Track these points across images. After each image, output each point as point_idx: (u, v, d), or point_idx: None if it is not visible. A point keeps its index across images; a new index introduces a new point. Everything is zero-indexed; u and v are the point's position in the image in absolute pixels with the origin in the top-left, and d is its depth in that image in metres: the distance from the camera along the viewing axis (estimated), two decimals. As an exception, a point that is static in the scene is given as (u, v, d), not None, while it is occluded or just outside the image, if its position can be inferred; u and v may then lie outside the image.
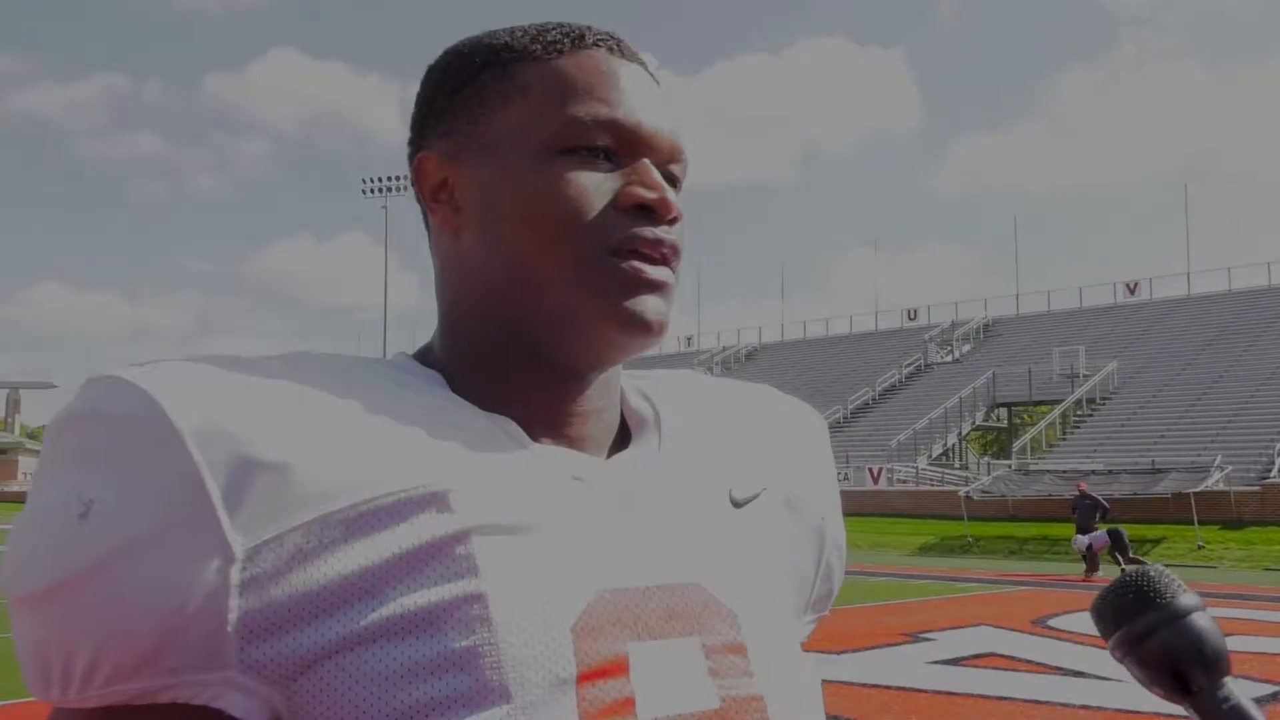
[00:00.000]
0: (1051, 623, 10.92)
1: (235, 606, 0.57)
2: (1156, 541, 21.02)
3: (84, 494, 0.58)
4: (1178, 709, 0.72)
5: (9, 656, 0.64)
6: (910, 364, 42.91)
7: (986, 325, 45.83)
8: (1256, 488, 22.83)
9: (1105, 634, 0.75)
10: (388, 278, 54.22)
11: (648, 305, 0.69)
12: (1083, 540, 17.14)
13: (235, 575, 0.57)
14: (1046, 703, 7.05)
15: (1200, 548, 20.14)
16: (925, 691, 7.46)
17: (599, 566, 0.65)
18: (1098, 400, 33.41)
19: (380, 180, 51.54)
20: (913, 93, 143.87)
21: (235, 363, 0.64)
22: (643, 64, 0.74)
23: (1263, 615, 11.45)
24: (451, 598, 0.60)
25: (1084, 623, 9.58)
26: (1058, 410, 33.30)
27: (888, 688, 7.58)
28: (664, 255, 0.70)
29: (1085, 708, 6.84)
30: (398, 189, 50.48)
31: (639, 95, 0.71)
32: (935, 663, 8.69)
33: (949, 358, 43.77)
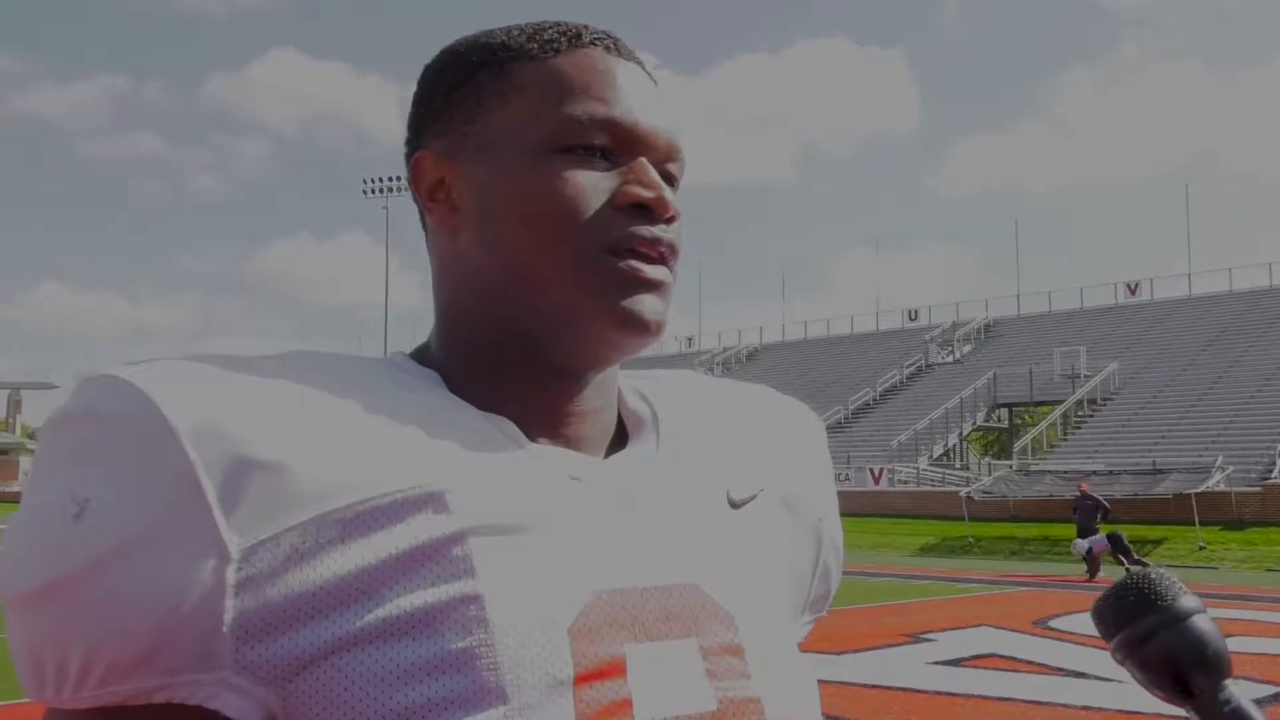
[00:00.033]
0: (1052, 623, 10.91)
1: (231, 607, 0.57)
2: (1157, 542, 21.02)
3: (79, 493, 0.58)
4: (1179, 711, 0.72)
5: (4, 657, 0.64)
6: (911, 364, 42.92)
7: (987, 326, 45.84)
8: (1258, 488, 22.83)
9: (1106, 636, 0.75)
10: (389, 278, 54.34)
11: (645, 304, 0.69)
12: (1082, 544, 17.13)
13: (231, 575, 0.57)
14: (1047, 703, 7.05)
15: (1201, 548, 20.14)
16: (926, 692, 7.46)
17: (596, 567, 0.65)
18: (1099, 401, 33.41)
19: (381, 180, 51.63)
20: (913, 93, 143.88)
21: (232, 362, 0.63)
22: (639, 63, 0.74)
23: (1264, 616, 11.45)
24: (448, 599, 0.60)
25: (1085, 623, 9.57)
26: (1059, 411, 33.31)
27: (888, 688, 7.58)
28: (661, 254, 0.70)
29: (1086, 709, 6.84)
30: (399, 189, 50.55)
31: (636, 94, 0.71)
32: (936, 663, 8.69)
33: (950, 358, 43.78)
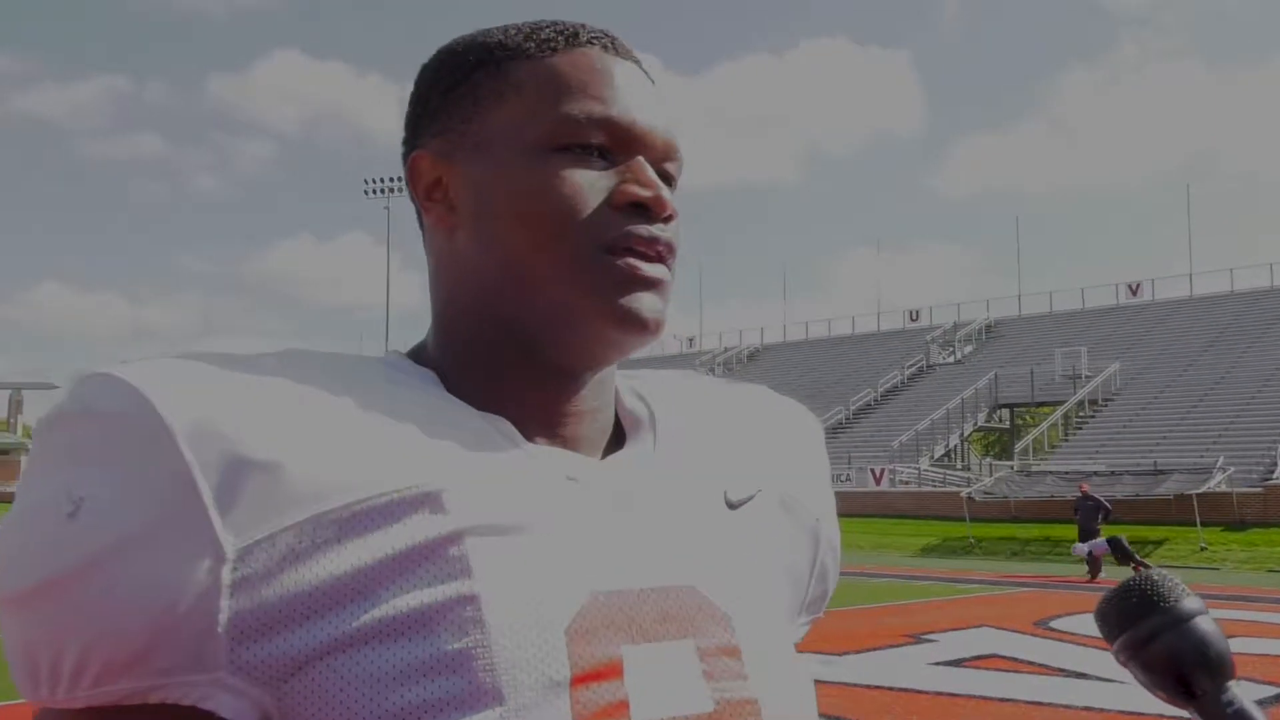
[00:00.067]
0: (1053, 624, 10.91)
1: (226, 607, 0.56)
2: (1159, 543, 21.01)
3: (74, 492, 0.58)
4: (1182, 712, 0.72)
5: (0, 657, 0.64)
6: (912, 365, 42.92)
7: (988, 326, 45.84)
8: (1259, 489, 22.82)
9: (1109, 638, 0.75)
10: (390, 278, 54.39)
11: (644, 302, 0.69)
12: (1082, 548, 17.13)
13: (226, 575, 0.56)
14: (1048, 704, 7.05)
15: (1202, 549, 20.13)
16: (927, 693, 7.46)
17: (593, 568, 0.65)
18: (1100, 401, 33.40)
19: (383, 181, 51.75)
20: (914, 93, 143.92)
21: (228, 360, 0.63)
22: (637, 62, 0.74)
23: (1265, 617, 11.44)
24: (444, 599, 0.60)
25: (1086, 624, 9.58)
26: (1060, 411, 33.31)
27: (889, 689, 7.58)
28: (659, 253, 0.70)
29: (1087, 709, 6.83)
30: (400, 189, 50.56)
31: (633, 93, 0.71)
32: (937, 664, 8.69)
33: (951, 359, 43.78)
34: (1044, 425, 34.03)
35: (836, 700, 7.01)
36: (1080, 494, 18.26)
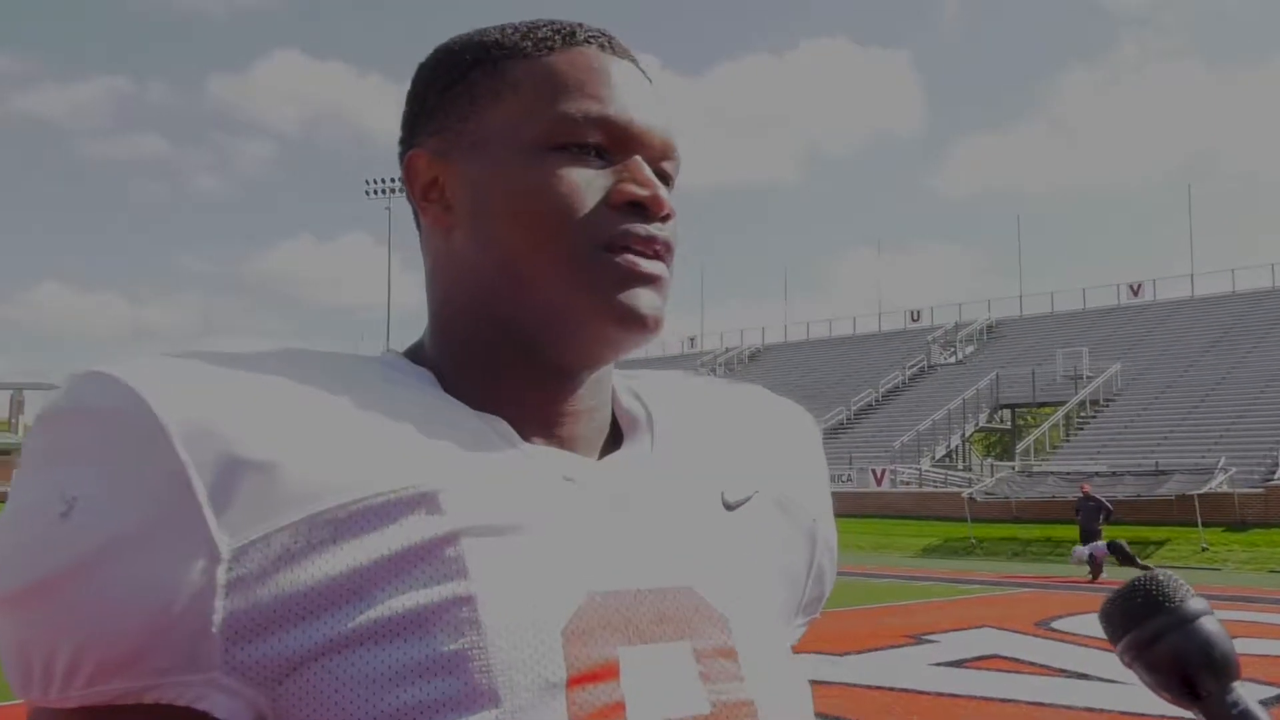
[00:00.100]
0: (1055, 625, 10.91)
1: (221, 607, 0.56)
2: (1160, 544, 21.01)
3: (67, 491, 0.57)
4: (1186, 713, 0.72)
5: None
6: (913, 365, 42.93)
7: (990, 326, 45.84)
8: (1260, 490, 22.80)
9: (1113, 638, 0.75)
10: (391, 278, 54.44)
11: (642, 299, 0.68)
12: (1083, 551, 17.11)
13: (221, 575, 0.56)
14: (1050, 705, 7.04)
15: (1204, 550, 20.12)
16: (928, 693, 7.46)
17: (590, 569, 0.64)
18: (1101, 402, 33.40)
19: (383, 181, 51.78)
20: (914, 93, 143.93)
21: (224, 359, 0.63)
22: (634, 61, 0.74)
23: (1267, 618, 11.43)
24: (440, 600, 0.59)
25: (1087, 625, 9.58)
26: (1061, 412, 33.31)
27: (890, 689, 7.57)
28: (657, 251, 0.70)
29: (1089, 710, 6.83)
30: (400, 190, 50.46)
31: (630, 92, 0.71)
32: (938, 664, 8.69)
33: (952, 359, 43.77)
34: (1045, 426, 34.02)
35: (837, 700, 7.01)
36: (1082, 494, 18.25)
